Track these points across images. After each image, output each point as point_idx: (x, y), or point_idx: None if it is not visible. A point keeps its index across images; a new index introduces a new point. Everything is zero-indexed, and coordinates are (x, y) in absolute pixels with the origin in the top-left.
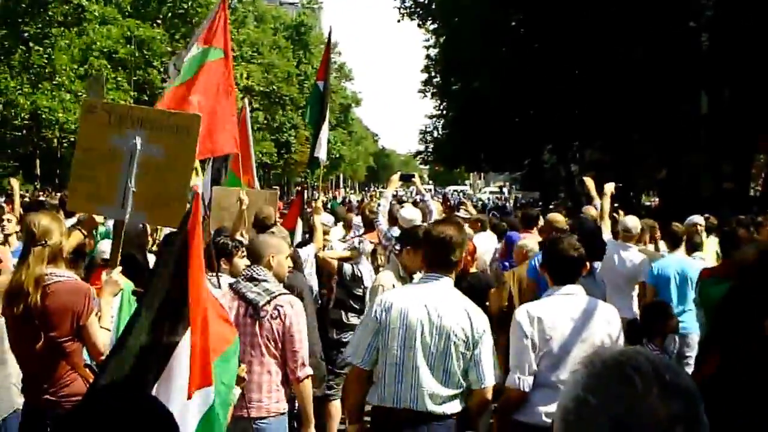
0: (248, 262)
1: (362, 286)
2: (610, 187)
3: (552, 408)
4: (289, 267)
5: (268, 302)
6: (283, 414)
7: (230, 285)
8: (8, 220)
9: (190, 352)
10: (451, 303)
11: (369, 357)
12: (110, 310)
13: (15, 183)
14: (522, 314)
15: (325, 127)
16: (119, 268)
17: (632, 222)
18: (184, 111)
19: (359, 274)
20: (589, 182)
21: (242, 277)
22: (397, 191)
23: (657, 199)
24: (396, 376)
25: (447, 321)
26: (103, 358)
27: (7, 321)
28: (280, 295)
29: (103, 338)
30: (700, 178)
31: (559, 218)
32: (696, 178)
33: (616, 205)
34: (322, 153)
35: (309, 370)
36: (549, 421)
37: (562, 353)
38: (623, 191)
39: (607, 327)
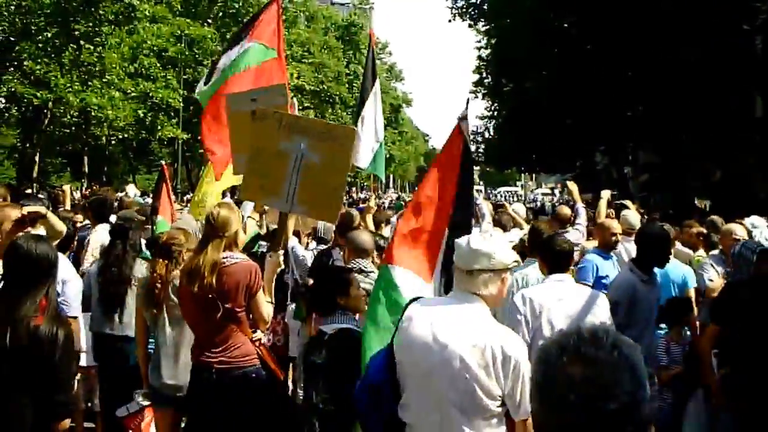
0: None
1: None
2: (606, 194)
3: None
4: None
5: None
6: None
7: None
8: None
9: None
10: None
11: None
12: (272, 286)
13: (66, 188)
14: (518, 297)
15: (364, 129)
16: (282, 252)
17: (634, 218)
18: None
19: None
20: (572, 186)
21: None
22: None
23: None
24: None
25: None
26: (265, 326)
27: (186, 295)
28: None
29: (267, 309)
30: (754, 180)
31: (565, 211)
32: (749, 180)
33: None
34: (361, 162)
35: None
36: None
37: (549, 327)
38: (676, 193)
39: (591, 308)
